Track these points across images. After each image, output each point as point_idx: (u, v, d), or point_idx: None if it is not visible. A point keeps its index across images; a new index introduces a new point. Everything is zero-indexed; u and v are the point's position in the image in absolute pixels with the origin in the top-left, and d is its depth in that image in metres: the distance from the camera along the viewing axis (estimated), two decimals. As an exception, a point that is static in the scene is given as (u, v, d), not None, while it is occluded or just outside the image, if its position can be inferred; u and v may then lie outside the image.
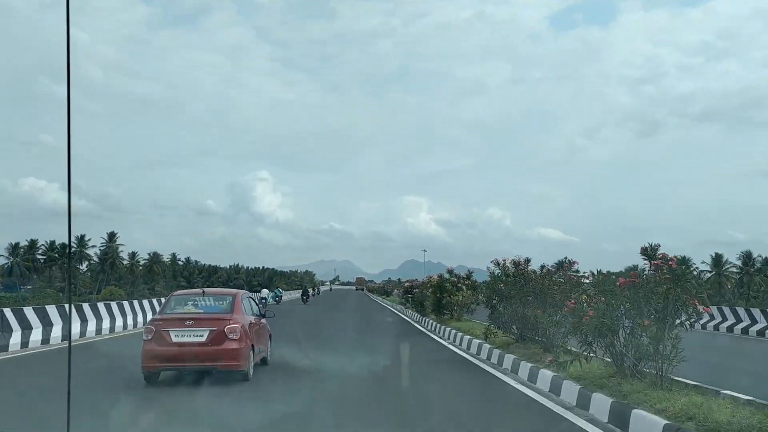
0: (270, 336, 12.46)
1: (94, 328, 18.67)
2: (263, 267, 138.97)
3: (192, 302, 10.69)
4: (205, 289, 11.55)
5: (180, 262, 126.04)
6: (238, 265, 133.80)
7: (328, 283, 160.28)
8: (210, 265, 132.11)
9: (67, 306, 17.62)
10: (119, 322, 20.59)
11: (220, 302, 10.75)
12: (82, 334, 17.86)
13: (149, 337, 9.95)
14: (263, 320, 11.95)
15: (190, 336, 9.92)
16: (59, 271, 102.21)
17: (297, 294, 66.84)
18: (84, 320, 18.30)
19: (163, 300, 19.84)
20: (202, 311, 10.40)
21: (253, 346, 10.61)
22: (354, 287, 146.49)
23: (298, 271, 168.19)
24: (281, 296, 55.41)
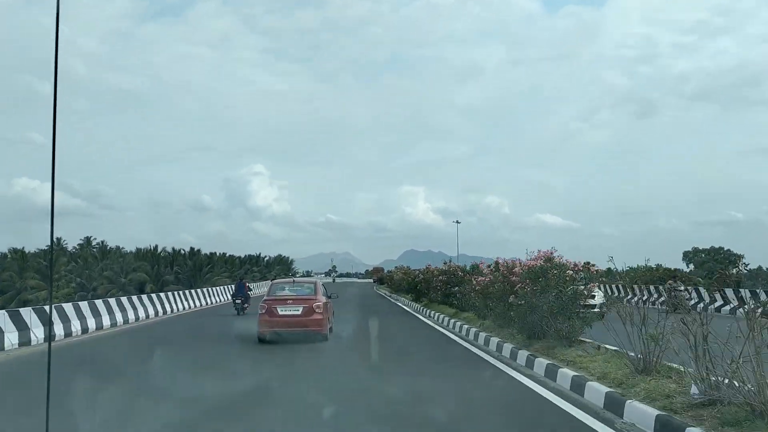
0: (333, 312, 17.30)
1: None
2: (192, 249, 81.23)
3: (288, 287, 15.61)
4: (295, 279, 16.48)
5: (94, 249, 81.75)
6: (155, 248, 78.59)
7: (322, 276, 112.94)
8: (103, 243, 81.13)
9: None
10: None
11: (307, 287, 15.67)
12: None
13: (263, 312, 14.82)
14: (330, 300, 16.79)
15: (290, 310, 14.78)
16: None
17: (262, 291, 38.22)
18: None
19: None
20: (295, 294, 15.26)
21: (328, 317, 15.47)
22: (358, 279, 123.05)
23: (264, 256, 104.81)
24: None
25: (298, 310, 14.80)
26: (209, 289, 36.71)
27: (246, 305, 25.31)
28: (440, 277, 24.99)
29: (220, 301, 35.38)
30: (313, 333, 14.90)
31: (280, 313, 14.74)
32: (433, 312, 22.99)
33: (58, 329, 16.86)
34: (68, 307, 18.06)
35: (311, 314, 14.78)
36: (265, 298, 15.47)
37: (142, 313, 23.18)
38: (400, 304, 34.00)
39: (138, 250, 78.87)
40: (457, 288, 21.88)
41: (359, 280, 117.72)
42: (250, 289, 28.22)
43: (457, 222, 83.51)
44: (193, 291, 32.37)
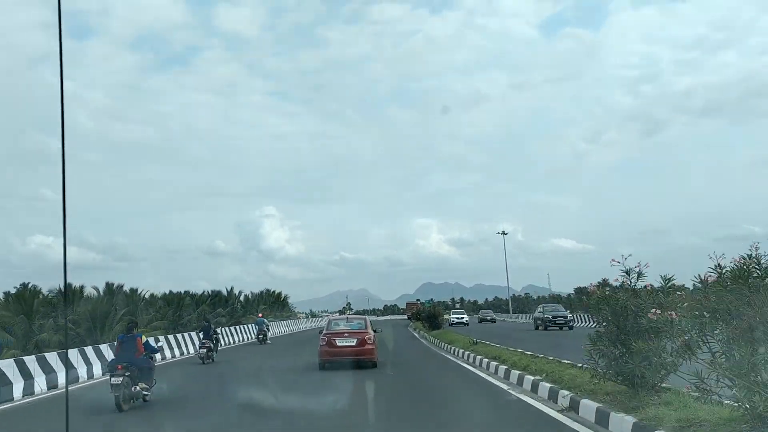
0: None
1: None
2: (109, 285, 49.37)
3: (342, 323, 18.61)
4: (348, 315, 19.49)
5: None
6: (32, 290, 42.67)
7: (336, 315, 74.25)
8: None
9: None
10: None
11: (358, 322, 18.67)
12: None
13: (323, 343, 17.74)
14: (376, 333, 19.67)
15: (346, 342, 17.69)
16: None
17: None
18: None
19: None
20: (350, 328, 18.20)
21: (376, 347, 18.37)
22: (377, 317, 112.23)
23: (237, 293, 72.56)
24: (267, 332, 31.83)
25: (353, 342, 17.71)
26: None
27: (142, 390, 11.58)
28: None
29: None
30: (365, 360, 17.76)
31: (338, 344, 17.66)
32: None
33: None
34: None
35: (364, 345, 17.68)
36: (324, 332, 18.41)
37: None
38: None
39: (7, 294, 46.23)
40: None
41: (378, 318, 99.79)
42: (156, 350, 13.10)
43: (504, 233, 68.56)
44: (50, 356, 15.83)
